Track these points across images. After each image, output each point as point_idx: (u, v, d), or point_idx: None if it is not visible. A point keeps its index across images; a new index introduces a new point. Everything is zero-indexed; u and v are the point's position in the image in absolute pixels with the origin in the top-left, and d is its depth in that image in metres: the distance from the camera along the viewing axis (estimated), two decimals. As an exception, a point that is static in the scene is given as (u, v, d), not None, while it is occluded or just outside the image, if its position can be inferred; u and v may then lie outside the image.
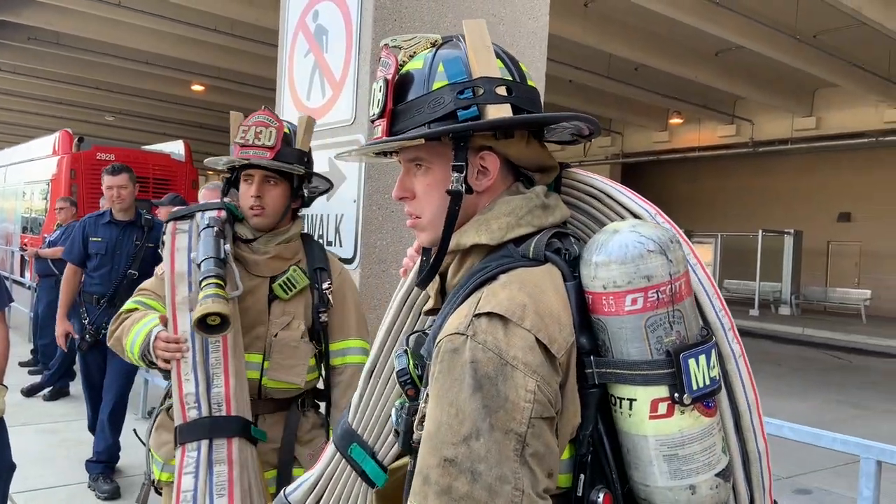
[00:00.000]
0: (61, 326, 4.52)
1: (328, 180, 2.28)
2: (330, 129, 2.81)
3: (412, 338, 1.16)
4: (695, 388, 0.95)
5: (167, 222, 2.11)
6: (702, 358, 0.97)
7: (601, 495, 0.97)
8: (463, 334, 0.92)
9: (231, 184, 2.14)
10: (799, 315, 17.52)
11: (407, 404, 1.06)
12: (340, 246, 2.74)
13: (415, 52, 1.11)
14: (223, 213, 2.06)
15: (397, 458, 1.24)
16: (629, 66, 14.58)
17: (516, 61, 1.10)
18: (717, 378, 0.99)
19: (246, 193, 2.05)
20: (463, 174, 1.03)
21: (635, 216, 1.11)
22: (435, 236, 1.08)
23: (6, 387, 3.17)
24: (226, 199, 2.16)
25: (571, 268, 1.01)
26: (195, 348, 1.92)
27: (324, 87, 2.89)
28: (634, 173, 22.10)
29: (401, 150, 1.12)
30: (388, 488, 1.23)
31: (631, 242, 0.97)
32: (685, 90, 16.28)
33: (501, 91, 1.03)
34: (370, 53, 2.63)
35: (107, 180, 4.39)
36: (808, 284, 18.78)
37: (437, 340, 0.96)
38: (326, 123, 2.82)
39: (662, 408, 0.95)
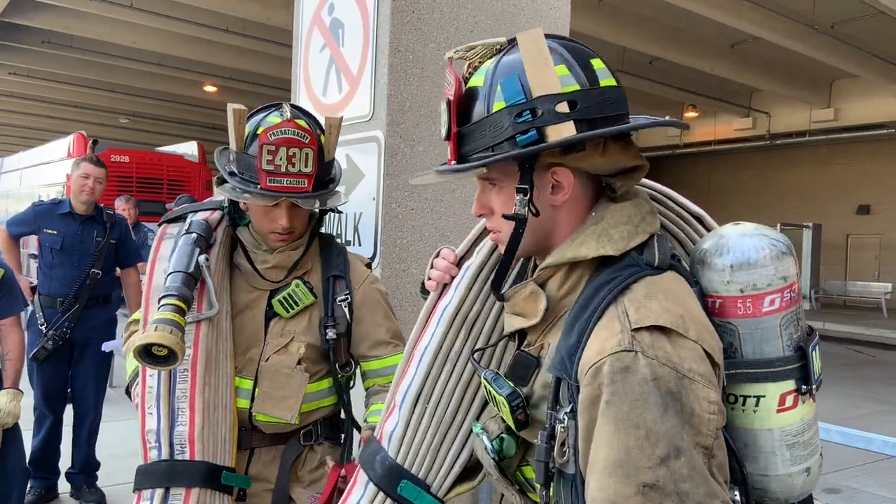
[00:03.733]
0: (23, 282, 4.13)
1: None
2: (347, 125, 2.74)
3: (488, 358, 1.17)
4: (816, 377, 1.02)
5: (159, 225, 1.84)
6: (818, 347, 1.05)
7: (736, 493, 0.98)
8: (631, 350, 0.87)
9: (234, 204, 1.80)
10: (818, 309, 17.31)
11: (501, 431, 1.06)
12: (360, 245, 2.67)
13: (479, 63, 1.07)
14: (215, 214, 1.79)
15: (451, 487, 1.19)
16: (644, 59, 14.45)
17: (586, 58, 1.02)
18: None
19: (266, 218, 1.72)
20: (528, 196, 1.00)
21: (697, 218, 1.18)
22: (518, 250, 1.06)
23: (22, 391, 3.15)
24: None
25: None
26: (160, 378, 1.62)
27: (340, 82, 2.82)
28: (652, 168, 21.89)
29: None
30: None
31: (766, 245, 1.00)
32: (701, 83, 16.11)
33: (562, 108, 0.97)
34: (388, 46, 2.56)
35: (86, 168, 4.06)
36: (828, 278, 18.55)
37: (589, 362, 0.90)
38: (344, 119, 2.75)
39: (789, 400, 1.00)
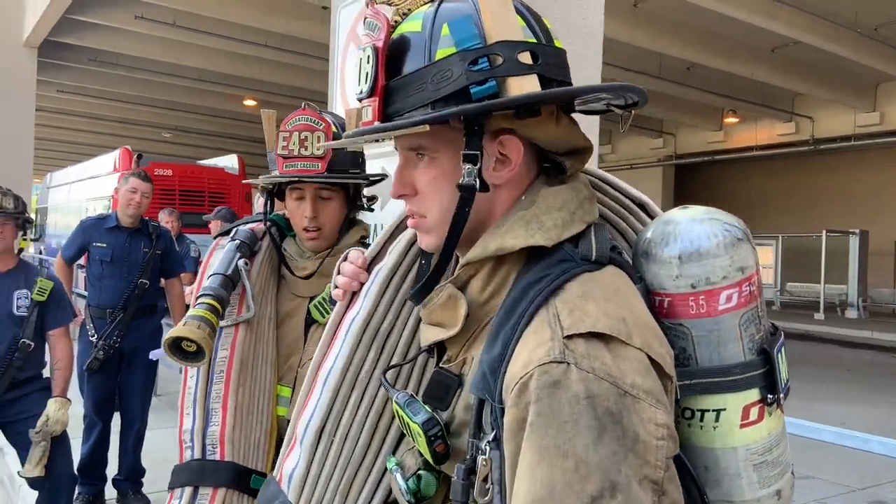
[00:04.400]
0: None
1: (384, 175, 1.97)
2: (382, 137, 2.78)
3: (405, 378, 0.99)
4: (783, 384, 0.87)
5: (214, 238, 1.91)
6: (783, 349, 0.89)
7: None
8: (561, 362, 0.71)
9: (272, 195, 1.82)
10: (866, 318, 16.79)
11: (418, 467, 0.89)
12: (394, 256, 2.69)
13: (409, 10, 0.89)
14: (260, 226, 1.82)
15: None
16: (681, 65, 14.27)
17: (539, 16, 0.88)
18: None
19: (297, 212, 1.75)
20: (477, 166, 0.82)
21: (640, 205, 1.01)
22: (438, 240, 0.88)
23: (70, 400, 3.25)
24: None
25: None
26: (198, 378, 1.66)
27: (375, 95, 2.86)
28: (688, 175, 21.63)
29: (396, 137, 0.88)
30: None
31: (719, 231, 0.85)
32: (741, 88, 15.84)
33: (525, 58, 0.81)
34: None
35: (134, 182, 4.21)
36: (876, 286, 18.01)
37: (515, 377, 0.73)
38: (378, 132, 2.78)
39: (754, 413, 0.85)
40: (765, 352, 0.86)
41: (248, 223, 1.86)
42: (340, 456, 1.00)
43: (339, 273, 1.12)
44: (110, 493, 4.29)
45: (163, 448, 4.63)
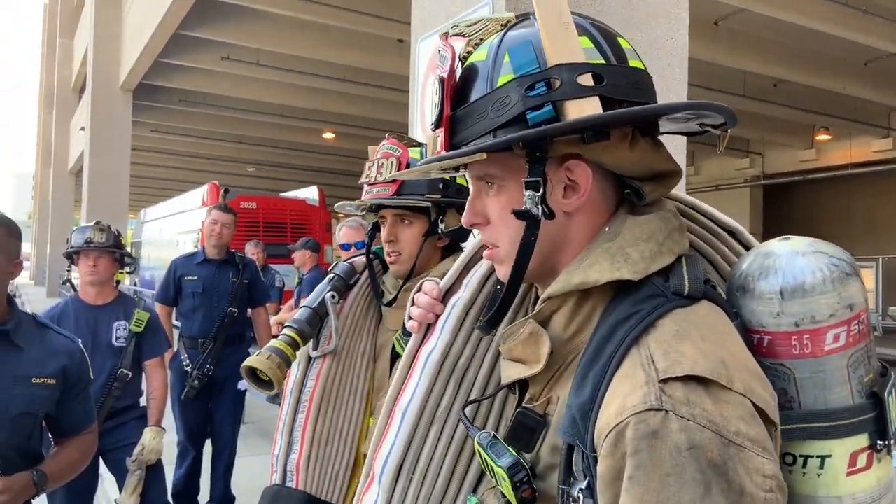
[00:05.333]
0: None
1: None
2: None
3: (485, 414, 0.96)
4: (894, 428, 0.80)
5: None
6: (893, 391, 0.81)
7: None
8: (659, 409, 0.66)
9: (375, 228, 1.88)
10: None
11: None
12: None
13: (481, 40, 0.88)
14: (361, 260, 1.86)
15: None
16: (766, 82, 13.80)
17: (612, 36, 0.85)
18: None
19: (383, 237, 1.79)
20: (539, 192, 0.80)
21: (731, 232, 0.95)
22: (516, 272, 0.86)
23: (164, 429, 3.33)
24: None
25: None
26: (288, 406, 1.74)
27: (457, 124, 2.86)
28: (778, 195, 20.74)
29: (468, 166, 0.89)
30: None
31: (825, 266, 0.78)
32: (832, 104, 15.16)
33: (585, 80, 0.79)
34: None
35: (216, 214, 4.40)
36: None
37: (608, 425, 0.69)
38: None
39: (862, 460, 0.78)
40: (875, 395, 0.79)
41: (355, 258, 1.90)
42: (420, 494, 0.98)
43: (412, 304, 1.09)
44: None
45: (251, 474, 4.71)
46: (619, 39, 0.85)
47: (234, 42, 12.58)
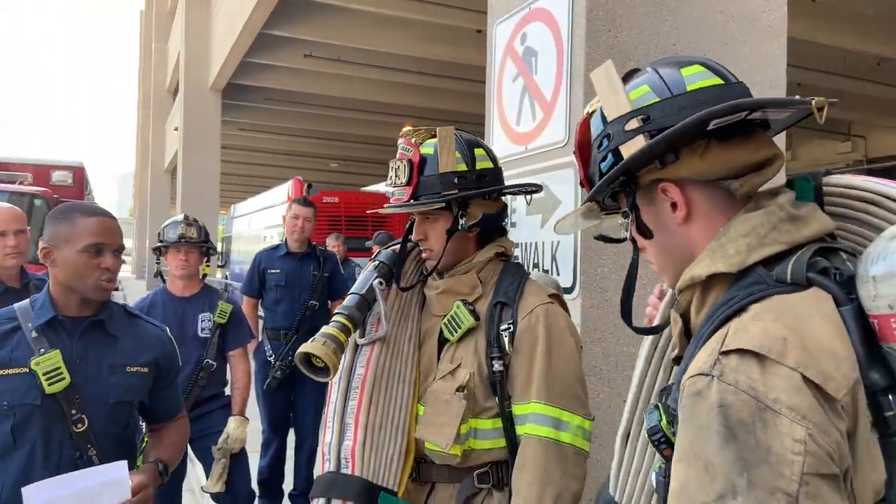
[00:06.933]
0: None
1: (521, 187, 1.86)
2: (541, 152, 2.67)
3: (665, 391, 1.09)
4: None
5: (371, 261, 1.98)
6: None
7: None
8: (707, 375, 0.80)
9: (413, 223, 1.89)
10: None
11: (663, 466, 0.96)
12: (558, 274, 2.57)
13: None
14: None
15: None
16: (869, 60, 12.95)
17: (676, 73, 0.99)
18: None
19: (414, 237, 1.83)
20: (631, 220, 1.03)
21: None
22: (671, 278, 1.04)
23: (247, 418, 3.40)
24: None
25: (846, 290, 0.84)
26: (337, 394, 1.73)
27: (534, 109, 2.76)
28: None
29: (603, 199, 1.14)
30: None
31: None
32: (941, 82, 14.10)
33: (631, 125, 0.98)
34: (584, 69, 2.45)
35: (296, 209, 4.48)
36: None
37: (682, 384, 0.85)
38: (538, 147, 2.68)
39: None
40: None
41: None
42: (643, 456, 1.21)
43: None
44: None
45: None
46: (683, 70, 0.99)
47: (316, 39, 12.84)
